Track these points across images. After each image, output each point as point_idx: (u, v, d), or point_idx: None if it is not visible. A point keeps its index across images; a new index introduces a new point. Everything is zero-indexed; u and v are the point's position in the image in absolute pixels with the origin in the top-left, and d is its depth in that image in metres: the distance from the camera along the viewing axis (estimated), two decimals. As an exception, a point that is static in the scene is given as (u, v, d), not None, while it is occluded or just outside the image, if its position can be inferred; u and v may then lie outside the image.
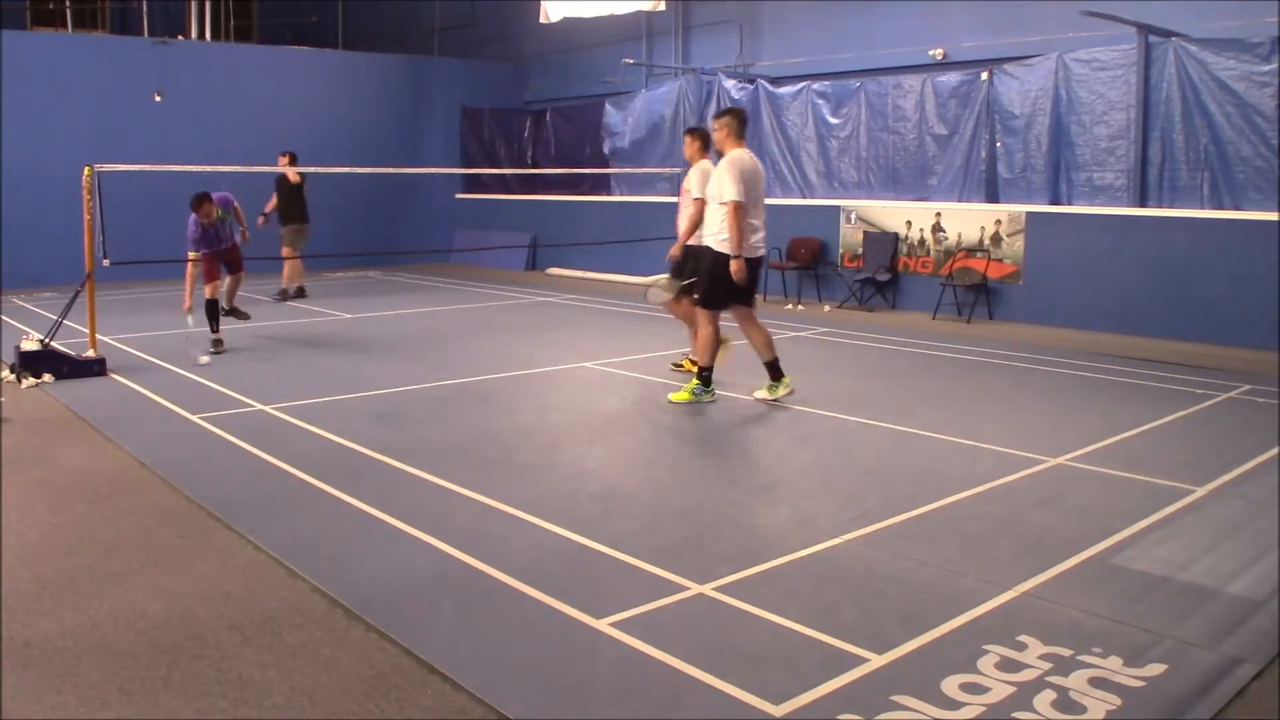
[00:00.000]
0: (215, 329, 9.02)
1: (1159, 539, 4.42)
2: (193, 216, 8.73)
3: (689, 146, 7.91)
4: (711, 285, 6.86)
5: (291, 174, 12.36)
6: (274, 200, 12.64)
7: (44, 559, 4.15)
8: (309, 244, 12.89)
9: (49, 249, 13.50)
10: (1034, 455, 5.71)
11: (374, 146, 17.24)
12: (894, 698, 3.01)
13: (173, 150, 13.84)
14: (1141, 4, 10.51)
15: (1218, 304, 9.77)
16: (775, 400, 6.95)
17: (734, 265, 6.68)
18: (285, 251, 12.57)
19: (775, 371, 6.95)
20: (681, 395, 7.00)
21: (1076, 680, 3.13)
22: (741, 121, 6.94)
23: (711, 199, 6.87)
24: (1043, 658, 3.27)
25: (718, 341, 7.01)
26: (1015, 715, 2.94)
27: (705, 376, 6.98)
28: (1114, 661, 3.25)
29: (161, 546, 4.31)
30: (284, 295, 12.72)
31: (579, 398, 7.52)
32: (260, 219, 12.36)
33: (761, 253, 6.95)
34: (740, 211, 6.61)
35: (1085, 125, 11.08)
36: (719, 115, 7.04)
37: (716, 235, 6.79)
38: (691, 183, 7.62)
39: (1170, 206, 10.47)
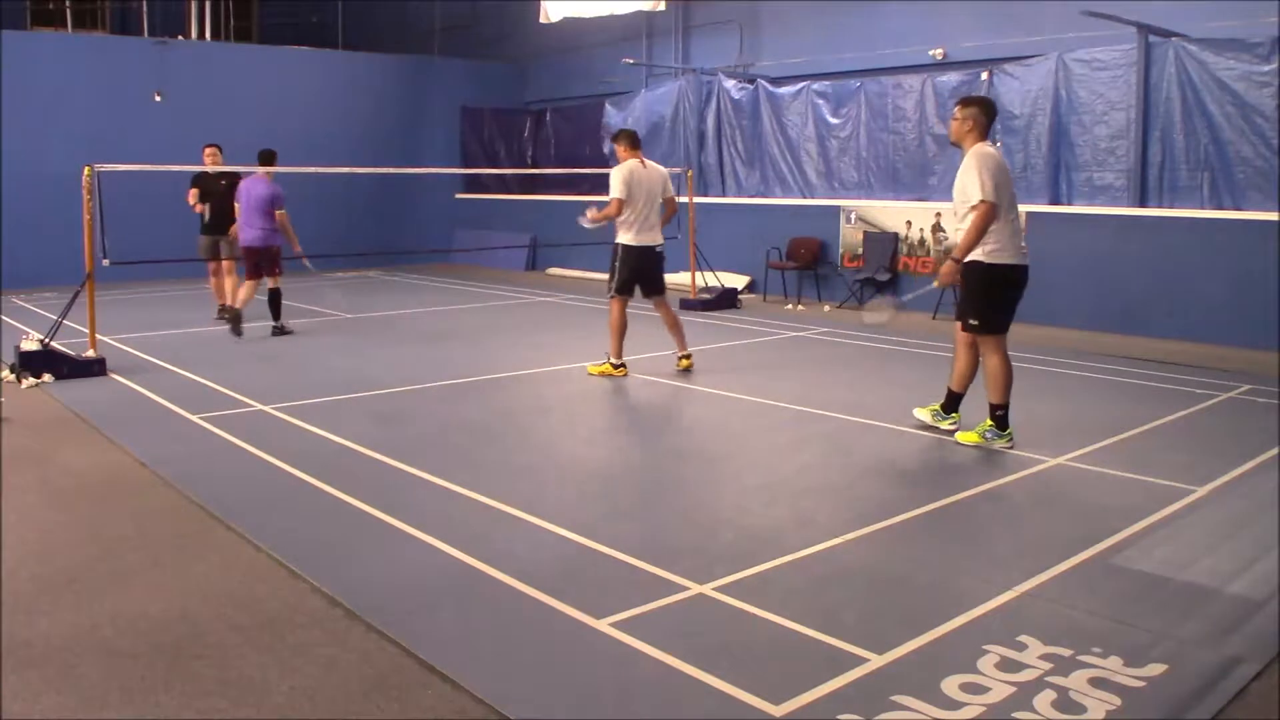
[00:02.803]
0: (278, 315, 9.85)
1: (1159, 539, 4.42)
2: (267, 179, 9.59)
3: (619, 149, 8.04)
4: (984, 305, 5.82)
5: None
6: (199, 199, 10.67)
7: (44, 559, 4.15)
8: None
9: (49, 249, 13.47)
10: (1034, 455, 5.70)
11: (374, 146, 17.24)
12: (894, 698, 3.01)
13: (173, 150, 13.76)
14: (1141, 4, 10.49)
15: (1218, 304, 9.76)
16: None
17: (945, 266, 5.78)
18: (229, 265, 10.73)
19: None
20: (970, 436, 5.94)
21: (1076, 680, 3.13)
22: (990, 116, 5.92)
23: (960, 203, 5.78)
24: (1043, 658, 3.27)
25: (1010, 370, 5.87)
26: (1015, 715, 2.94)
27: (1001, 417, 5.87)
28: (1114, 661, 3.25)
29: (161, 546, 4.31)
30: (228, 314, 10.17)
31: (579, 398, 7.52)
32: (199, 207, 10.71)
33: (1024, 262, 5.82)
34: (990, 213, 5.60)
35: (1085, 125, 11.07)
36: (966, 103, 5.92)
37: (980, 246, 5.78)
38: (613, 182, 7.80)
39: (1170, 206, 10.46)
